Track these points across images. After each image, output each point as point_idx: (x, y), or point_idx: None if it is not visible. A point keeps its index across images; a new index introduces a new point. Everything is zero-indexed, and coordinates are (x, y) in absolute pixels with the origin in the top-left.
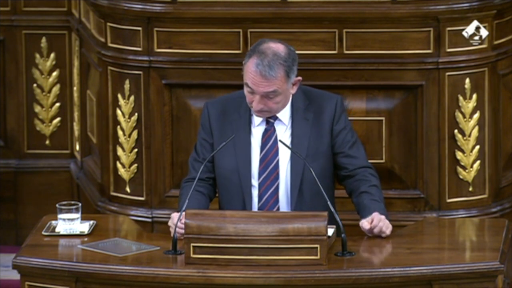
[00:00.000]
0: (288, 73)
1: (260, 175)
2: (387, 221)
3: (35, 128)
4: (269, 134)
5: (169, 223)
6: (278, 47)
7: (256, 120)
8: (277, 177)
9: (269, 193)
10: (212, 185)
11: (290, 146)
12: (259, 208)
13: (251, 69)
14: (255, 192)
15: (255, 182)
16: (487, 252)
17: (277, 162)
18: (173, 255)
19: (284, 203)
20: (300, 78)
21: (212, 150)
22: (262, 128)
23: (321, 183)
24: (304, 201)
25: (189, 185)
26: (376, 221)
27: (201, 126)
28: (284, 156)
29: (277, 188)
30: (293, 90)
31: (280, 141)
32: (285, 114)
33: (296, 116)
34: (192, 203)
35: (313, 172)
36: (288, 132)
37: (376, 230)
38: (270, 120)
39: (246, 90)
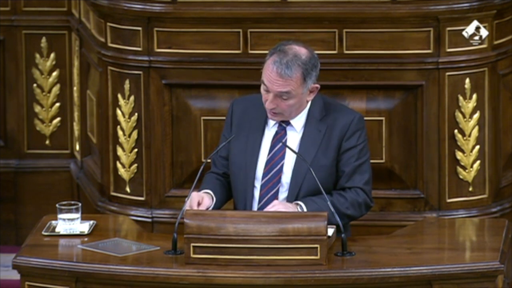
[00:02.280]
0: (305, 76)
1: (264, 176)
2: (279, 206)
3: (35, 128)
4: (278, 137)
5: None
6: (300, 50)
7: (271, 122)
8: (279, 181)
9: (269, 195)
10: (228, 182)
11: (295, 150)
12: (258, 209)
13: (269, 66)
14: (256, 193)
15: (257, 182)
16: (487, 252)
17: (282, 166)
18: (173, 255)
19: None
20: (318, 86)
21: (229, 146)
22: (274, 129)
23: (318, 195)
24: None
25: (211, 174)
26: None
27: (225, 123)
28: (289, 161)
29: (277, 192)
30: (310, 97)
31: (283, 143)
32: (299, 121)
33: (310, 126)
34: (213, 184)
35: (313, 173)
36: (298, 139)
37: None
38: (283, 124)
39: (262, 88)
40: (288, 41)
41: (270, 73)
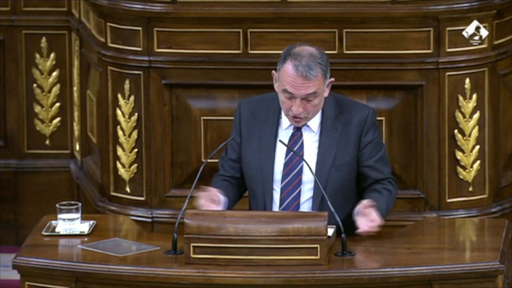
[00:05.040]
0: (325, 73)
1: (283, 179)
2: (375, 213)
3: (35, 128)
4: (295, 138)
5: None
6: (311, 49)
7: (284, 123)
8: (300, 183)
9: (291, 197)
10: (238, 183)
11: (288, 145)
12: None
13: (289, 72)
14: (276, 195)
15: (277, 185)
16: (487, 252)
17: (301, 167)
18: (173, 255)
19: (305, 209)
20: (332, 79)
21: (239, 149)
22: (289, 132)
23: (343, 194)
24: (325, 209)
25: (218, 176)
26: (368, 203)
27: (233, 125)
28: (310, 163)
29: (299, 194)
30: (326, 93)
31: (280, 141)
32: (314, 121)
33: (326, 125)
34: (220, 185)
35: (313, 172)
36: (316, 139)
37: (366, 211)
38: (300, 125)
39: (283, 96)
40: (294, 44)
41: (294, 79)
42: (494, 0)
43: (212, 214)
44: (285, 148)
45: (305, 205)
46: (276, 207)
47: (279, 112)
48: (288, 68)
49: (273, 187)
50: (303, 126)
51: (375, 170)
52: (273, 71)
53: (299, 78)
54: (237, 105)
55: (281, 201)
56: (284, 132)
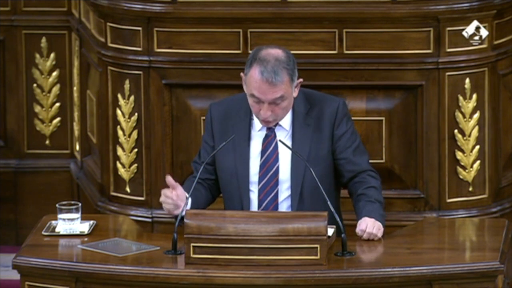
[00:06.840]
0: (291, 76)
1: (260, 180)
2: (377, 223)
3: (35, 128)
4: (269, 139)
5: (161, 198)
6: (277, 52)
7: (257, 124)
8: (277, 183)
9: (269, 198)
10: (211, 185)
11: (290, 147)
12: None
13: (255, 78)
14: (253, 196)
15: (254, 187)
16: (487, 252)
17: (277, 168)
18: (173, 255)
19: (284, 209)
20: (301, 80)
21: (213, 152)
22: (262, 133)
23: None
24: (304, 206)
25: (191, 179)
26: (363, 227)
27: (205, 129)
28: (285, 162)
29: (276, 194)
30: (296, 93)
31: (280, 141)
32: (286, 120)
33: (297, 122)
34: (190, 187)
35: (313, 173)
36: (289, 137)
37: (365, 236)
38: (271, 126)
39: (251, 101)
40: (260, 47)
41: (260, 85)
42: (494, 0)
43: (212, 214)
44: (259, 149)
45: (284, 204)
46: (254, 207)
47: (250, 113)
48: (254, 73)
49: (249, 188)
50: (275, 126)
51: (351, 162)
52: (242, 73)
53: (265, 84)
54: (208, 107)
55: (260, 202)
56: (258, 134)
